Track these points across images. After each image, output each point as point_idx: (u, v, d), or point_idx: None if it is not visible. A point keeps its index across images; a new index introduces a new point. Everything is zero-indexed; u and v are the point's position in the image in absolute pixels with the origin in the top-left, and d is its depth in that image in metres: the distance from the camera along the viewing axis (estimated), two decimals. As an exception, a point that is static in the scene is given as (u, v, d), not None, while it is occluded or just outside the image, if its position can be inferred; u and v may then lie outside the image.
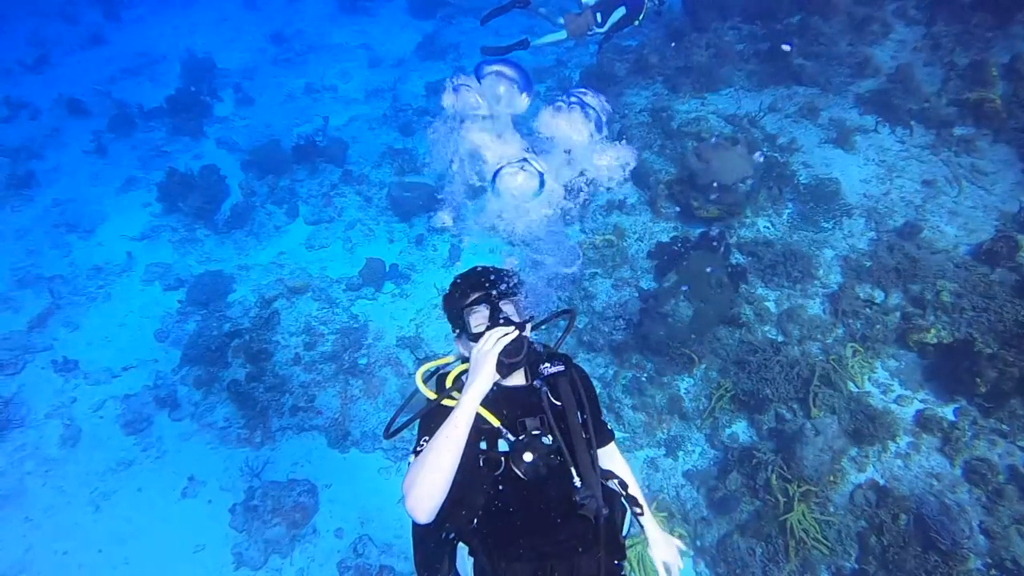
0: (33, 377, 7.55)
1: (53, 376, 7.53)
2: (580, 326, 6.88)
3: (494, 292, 2.19)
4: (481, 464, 2.06)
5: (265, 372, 7.12)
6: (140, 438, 6.86)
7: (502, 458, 2.05)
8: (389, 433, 2.26)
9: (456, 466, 1.96)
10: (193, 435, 6.87)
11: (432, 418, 2.10)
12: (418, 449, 2.06)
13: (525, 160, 2.12)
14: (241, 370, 7.20)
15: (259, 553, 5.80)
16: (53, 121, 12.22)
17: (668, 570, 2.51)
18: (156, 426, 6.97)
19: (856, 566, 5.12)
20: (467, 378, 2.10)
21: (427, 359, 6.87)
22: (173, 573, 5.76)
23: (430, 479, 1.93)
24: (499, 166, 2.12)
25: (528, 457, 2.03)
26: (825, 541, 5.16)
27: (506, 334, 2.11)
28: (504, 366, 2.09)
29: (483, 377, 2.05)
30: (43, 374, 7.58)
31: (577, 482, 2.04)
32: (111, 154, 11.16)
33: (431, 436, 2.01)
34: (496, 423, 2.08)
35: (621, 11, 7.62)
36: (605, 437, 2.46)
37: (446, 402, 2.12)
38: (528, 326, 2.23)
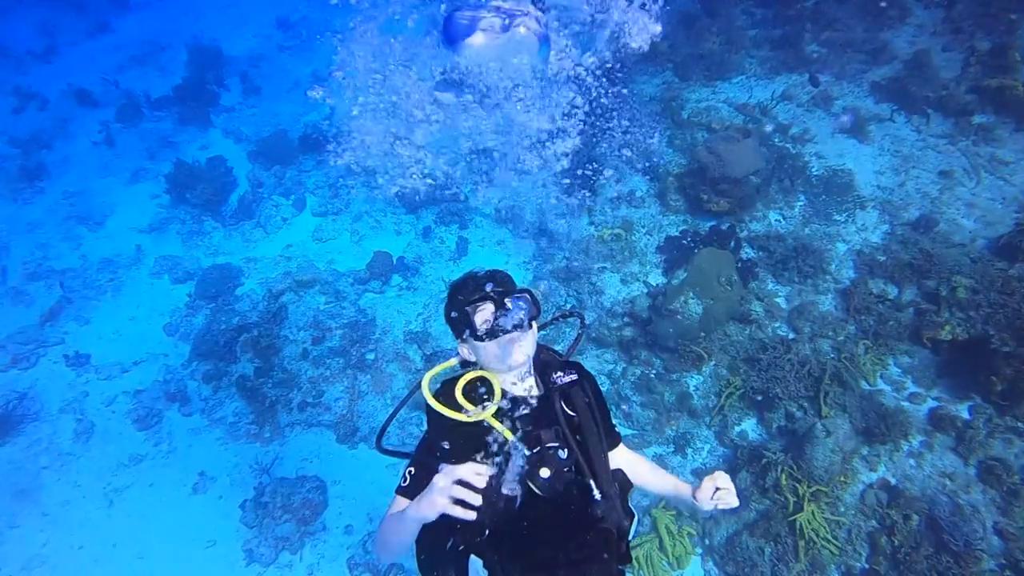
0: (46, 371, 7.63)
1: (65, 370, 7.61)
2: (587, 321, 6.83)
3: (497, 289, 2.13)
4: (493, 481, 1.99)
5: (273, 367, 7.14)
6: (151, 433, 6.93)
7: None
8: (382, 448, 2.25)
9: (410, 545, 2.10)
10: (203, 430, 6.92)
11: (434, 436, 2.06)
12: (403, 484, 2.08)
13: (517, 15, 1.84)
14: (250, 365, 7.21)
15: (269, 549, 5.85)
16: (62, 111, 12.20)
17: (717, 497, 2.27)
18: (167, 421, 7.03)
19: (867, 566, 5.08)
20: (420, 498, 1.92)
21: (434, 356, 6.87)
22: (186, 568, 5.83)
23: (388, 553, 2.19)
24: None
25: (545, 473, 1.97)
26: (835, 541, 5.13)
27: (475, 474, 1.87)
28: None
29: (424, 510, 1.90)
30: (56, 368, 7.66)
31: (597, 495, 2.03)
32: (119, 145, 11.14)
33: (429, 462, 1.99)
34: (510, 437, 2.00)
35: None
36: (614, 442, 2.43)
37: (451, 414, 2.01)
38: (535, 325, 2.17)
